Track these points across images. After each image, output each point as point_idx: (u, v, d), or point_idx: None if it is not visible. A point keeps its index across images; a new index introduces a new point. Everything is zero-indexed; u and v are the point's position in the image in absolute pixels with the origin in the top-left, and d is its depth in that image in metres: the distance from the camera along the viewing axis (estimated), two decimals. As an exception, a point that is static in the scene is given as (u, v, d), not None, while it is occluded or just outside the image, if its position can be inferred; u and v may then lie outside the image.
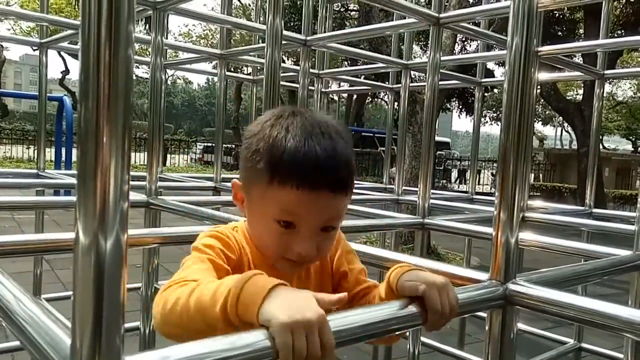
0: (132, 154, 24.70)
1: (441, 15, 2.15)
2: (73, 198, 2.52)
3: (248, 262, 1.05)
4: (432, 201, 2.36)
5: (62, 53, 24.51)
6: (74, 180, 2.86)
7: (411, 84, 3.65)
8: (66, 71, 26.84)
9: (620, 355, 3.14)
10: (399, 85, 3.64)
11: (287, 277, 1.00)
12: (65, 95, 16.82)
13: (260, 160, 0.98)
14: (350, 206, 2.63)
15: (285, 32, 2.54)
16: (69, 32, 3.02)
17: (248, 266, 1.04)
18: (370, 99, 31.64)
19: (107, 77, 0.59)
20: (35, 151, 20.22)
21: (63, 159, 11.84)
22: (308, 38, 2.77)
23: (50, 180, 3.04)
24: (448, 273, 1.25)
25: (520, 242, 1.15)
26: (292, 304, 0.73)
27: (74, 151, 12.21)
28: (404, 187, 3.31)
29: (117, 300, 0.58)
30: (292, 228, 0.98)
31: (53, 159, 12.00)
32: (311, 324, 0.71)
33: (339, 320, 0.81)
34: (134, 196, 2.37)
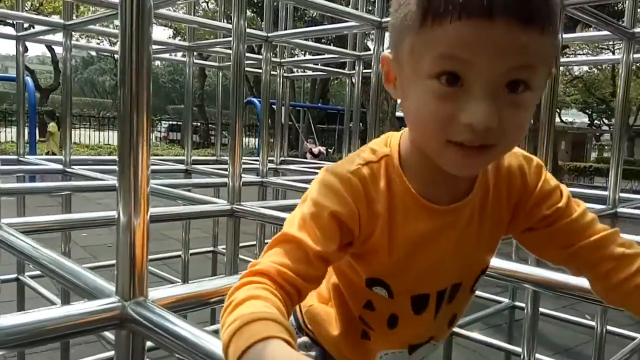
0: (97, 133, 24.10)
1: (383, 20, 2.47)
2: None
3: (388, 207, 0.79)
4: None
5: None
6: (56, 166, 3.12)
7: (365, 71, 3.98)
8: (25, 48, 26.10)
9: (553, 312, 3.60)
10: (366, 52, 4.06)
11: (455, 215, 0.80)
12: (26, 75, 16.55)
13: (409, 4, 0.69)
14: (306, 185, 2.97)
15: (248, 30, 2.83)
16: (45, 28, 3.24)
17: (388, 211, 0.79)
18: (335, 78, 31.84)
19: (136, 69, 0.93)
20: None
21: (27, 140, 11.83)
22: (269, 35, 3.07)
23: (32, 166, 3.28)
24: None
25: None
26: None
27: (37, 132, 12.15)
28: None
29: (146, 255, 0.91)
30: (458, 86, 0.66)
31: (14, 139, 11.94)
32: None
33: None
34: (110, 180, 2.64)
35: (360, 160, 0.80)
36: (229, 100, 2.12)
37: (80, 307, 0.88)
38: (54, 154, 9.89)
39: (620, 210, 2.45)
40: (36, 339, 0.82)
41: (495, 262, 1.33)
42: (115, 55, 2.76)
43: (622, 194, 2.61)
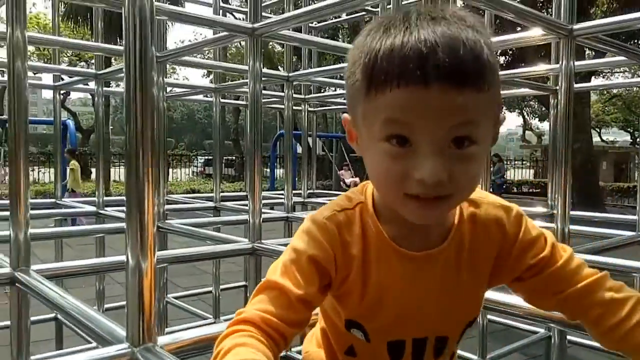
0: (118, 170, 24.86)
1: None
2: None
3: (362, 250, 0.83)
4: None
5: (62, 75, 24.95)
6: (90, 208, 3.25)
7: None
8: (67, 92, 27.32)
9: (587, 342, 3.47)
10: None
11: (429, 262, 0.83)
12: (68, 118, 17.29)
13: (356, 73, 0.75)
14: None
15: (269, 71, 2.93)
16: (78, 78, 3.44)
17: (362, 254, 0.83)
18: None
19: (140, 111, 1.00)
20: (39, 173, 20.45)
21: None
22: (290, 74, 3.17)
23: (68, 209, 3.43)
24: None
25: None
26: None
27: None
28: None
29: (151, 302, 0.96)
30: (407, 146, 0.72)
31: (52, 179, 12.45)
32: None
33: None
34: (144, 220, 2.74)
35: (336, 207, 0.86)
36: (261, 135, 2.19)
37: (94, 353, 0.94)
38: (73, 191, 10.24)
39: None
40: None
41: (520, 301, 1.32)
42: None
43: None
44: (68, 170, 10.68)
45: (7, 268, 1.57)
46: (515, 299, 1.31)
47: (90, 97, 29.64)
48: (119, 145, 36.67)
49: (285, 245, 2.10)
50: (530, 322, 3.94)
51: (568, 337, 3.55)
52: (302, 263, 0.79)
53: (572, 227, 2.22)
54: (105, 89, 3.55)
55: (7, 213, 1.58)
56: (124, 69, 1.04)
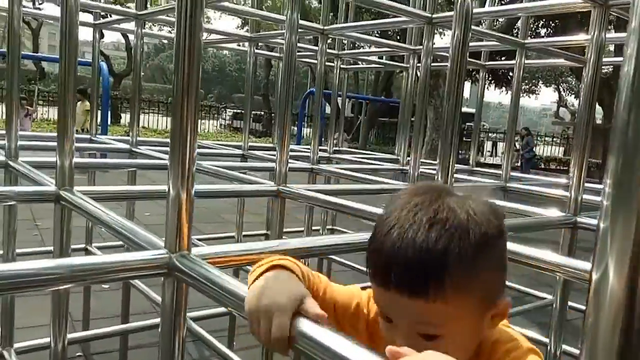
0: (165, 119, 25.01)
1: (433, 16, 2.51)
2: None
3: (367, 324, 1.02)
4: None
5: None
6: (124, 146, 3.38)
7: (436, 47, 3.29)
8: (101, 34, 27.44)
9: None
10: (421, 46, 3.18)
11: None
12: (101, 60, 17.44)
13: (369, 247, 0.89)
14: (354, 173, 3.03)
15: (305, 23, 2.97)
16: (119, 17, 3.52)
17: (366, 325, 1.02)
18: (400, 70, 31.44)
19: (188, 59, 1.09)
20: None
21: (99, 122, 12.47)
22: (325, 27, 3.19)
23: (103, 145, 3.58)
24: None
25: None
26: (267, 291, 0.83)
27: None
28: (421, 160, 2.94)
29: (190, 220, 1.08)
30: (392, 323, 0.85)
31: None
32: (270, 312, 0.79)
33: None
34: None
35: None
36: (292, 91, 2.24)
37: (135, 254, 1.07)
38: (82, 130, 10.16)
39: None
40: (101, 278, 1.03)
41: (526, 250, 1.41)
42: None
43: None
44: (82, 110, 10.63)
45: (52, 187, 1.71)
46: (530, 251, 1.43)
47: (123, 42, 29.71)
48: (149, 92, 36.94)
49: (309, 190, 2.20)
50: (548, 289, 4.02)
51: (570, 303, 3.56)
52: (353, 294, 1.05)
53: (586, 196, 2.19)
54: (144, 30, 3.61)
55: (55, 144, 1.70)
56: (174, 12, 1.11)
